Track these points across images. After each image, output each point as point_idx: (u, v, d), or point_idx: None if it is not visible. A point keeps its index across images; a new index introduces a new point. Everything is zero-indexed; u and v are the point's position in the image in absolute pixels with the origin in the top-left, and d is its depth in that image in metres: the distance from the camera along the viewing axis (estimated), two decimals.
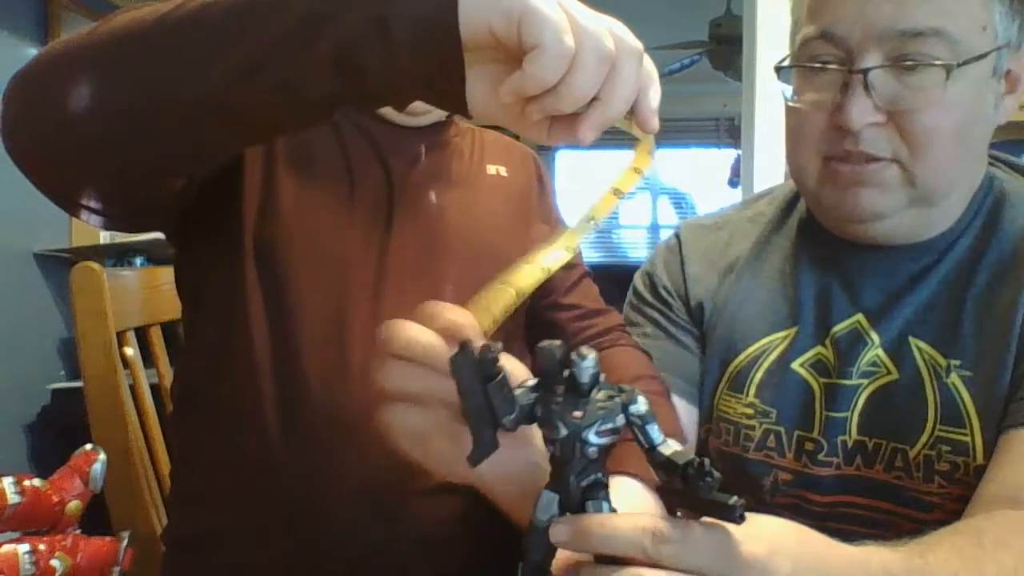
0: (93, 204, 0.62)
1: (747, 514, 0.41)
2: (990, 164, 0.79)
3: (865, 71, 0.67)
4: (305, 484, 0.74)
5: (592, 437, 0.41)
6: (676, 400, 0.79)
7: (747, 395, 0.79)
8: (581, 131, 0.46)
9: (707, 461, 0.39)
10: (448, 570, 0.77)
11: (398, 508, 0.74)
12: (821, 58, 0.70)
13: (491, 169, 0.92)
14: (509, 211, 0.90)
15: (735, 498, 0.39)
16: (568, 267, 0.92)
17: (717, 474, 0.39)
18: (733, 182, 4.95)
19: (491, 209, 0.88)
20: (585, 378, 0.41)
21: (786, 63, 0.75)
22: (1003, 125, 0.76)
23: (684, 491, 0.40)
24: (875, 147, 0.69)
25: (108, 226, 0.69)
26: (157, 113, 0.52)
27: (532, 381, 0.44)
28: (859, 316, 0.76)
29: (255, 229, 0.75)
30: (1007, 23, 0.69)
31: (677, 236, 0.91)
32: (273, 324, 0.75)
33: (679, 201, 6.20)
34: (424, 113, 0.83)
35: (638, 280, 0.90)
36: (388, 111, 0.83)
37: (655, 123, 0.49)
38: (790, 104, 0.74)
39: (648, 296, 0.87)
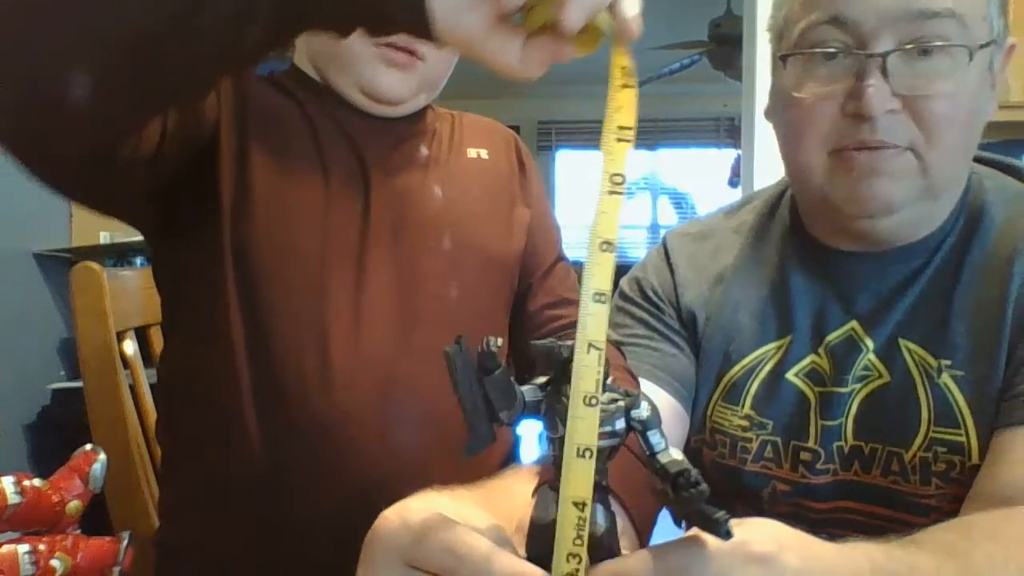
0: (63, 164, 0.59)
1: (747, 518, 0.41)
2: None
3: (884, 55, 0.65)
4: (286, 486, 0.73)
5: None
6: (669, 401, 0.78)
7: (743, 407, 0.78)
8: (566, 13, 0.40)
9: (695, 472, 0.39)
10: None
11: (382, 509, 0.74)
12: (829, 44, 0.68)
13: (471, 152, 0.90)
14: (490, 194, 0.89)
15: (722, 512, 0.39)
16: (545, 252, 0.92)
17: (705, 486, 0.39)
18: (733, 182, 4.95)
19: (471, 194, 0.87)
20: None
21: (789, 52, 0.71)
22: (1004, 125, 0.76)
23: (675, 500, 0.40)
24: (892, 135, 0.67)
25: (76, 193, 0.66)
26: (106, 52, 0.48)
27: (543, 379, 0.44)
28: (853, 323, 0.75)
29: (231, 229, 0.74)
30: (998, 18, 0.69)
31: (664, 245, 0.89)
32: (251, 325, 0.74)
33: (679, 201, 6.20)
34: (400, 103, 0.83)
35: (625, 284, 0.88)
36: (363, 102, 0.82)
37: (635, 27, 0.43)
38: (794, 96, 0.71)
39: (637, 298, 0.86)
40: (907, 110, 0.67)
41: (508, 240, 0.87)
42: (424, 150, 0.86)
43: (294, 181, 0.77)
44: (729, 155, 5.36)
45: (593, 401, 0.38)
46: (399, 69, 0.80)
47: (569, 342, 0.42)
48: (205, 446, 0.77)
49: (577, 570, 0.38)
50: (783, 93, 0.73)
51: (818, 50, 0.69)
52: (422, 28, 0.43)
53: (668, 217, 6.15)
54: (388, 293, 0.77)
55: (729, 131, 5.68)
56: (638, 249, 6.08)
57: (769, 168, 2.06)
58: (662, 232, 5.73)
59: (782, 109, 0.74)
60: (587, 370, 0.38)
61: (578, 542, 0.38)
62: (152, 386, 1.04)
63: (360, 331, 0.75)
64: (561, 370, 0.42)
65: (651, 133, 5.99)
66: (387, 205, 0.80)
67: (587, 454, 0.38)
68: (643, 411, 0.42)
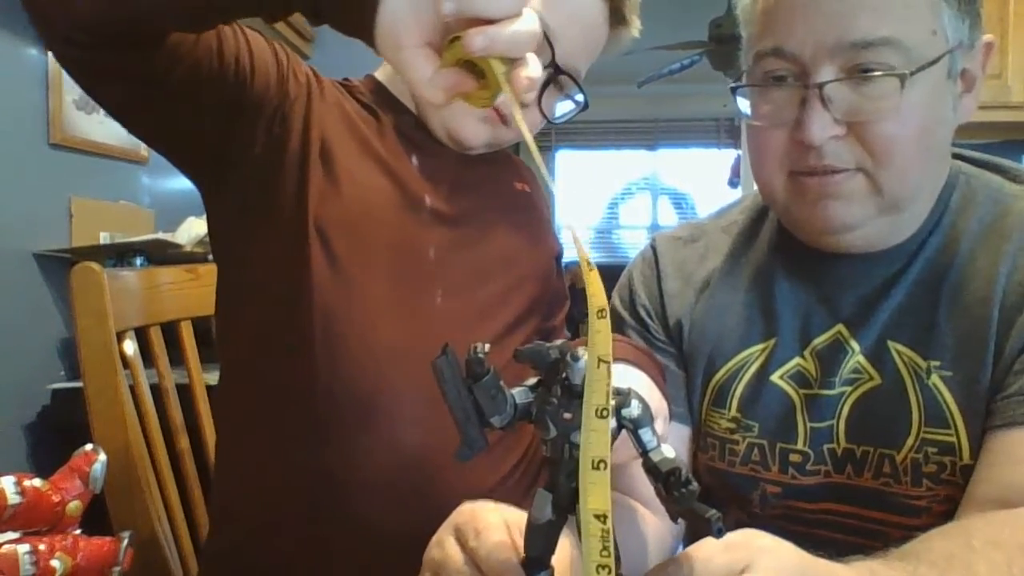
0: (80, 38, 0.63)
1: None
2: (955, 159, 0.78)
3: (820, 85, 0.67)
4: (342, 463, 0.77)
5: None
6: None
7: (730, 409, 0.79)
8: (469, 35, 0.45)
9: (686, 471, 0.40)
10: None
11: (426, 487, 0.78)
12: (776, 74, 0.70)
13: (518, 185, 0.98)
14: (533, 222, 0.97)
15: (713, 511, 0.39)
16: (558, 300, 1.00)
17: (695, 485, 0.39)
18: (733, 182, 4.95)
19: (518, 220, 0.94)
20: (578, 380, 0.41)
21: (742, 81, 0.74)
22: (1004, 125, 0.76)
23: (667, 499, 0.40)
24: (838, 159, 0.68)
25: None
26: None
27: (532, 380, 0.44)
28: (839, 327, 0.76)
29: (316, 210, 0.78)
30: (957, 24, 0.69)
31: (653, 249, 0.90)
32: (328, 301, 0.77)
33: (679, 201, 6.19)
34: (473, 151, 0.88)
35: (616, 297, 0.90)
36: (442, 136, 0.87)
37: (525, 88, 0.47)
38: (750, 122, 0.74)
39: (626, 315, 0.87)
40: (852, 134, 0.68)
41: (548, 267, 0.96)
42: (480, 177, 0.91)
43: (368, 180, 0.82)
44: (729, 155, 5.36)
45: (604, 413, 0.38)
46: (486, 123, 0.85)
47: (558, 342, 0.42)
48: (269, 421, 0.81)
49: None
50: (744, 116, 0.75)
51: (761, 85, 0.71)
52: (368, 26, 0.48)
53: (668, 217, 6.14)
54: (448, 298, 0.83)
55: (729, 131, 5.67)
56: (638, 249, 6.07)
57: None
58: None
59: (746, 130, 0.76)
60: (597, 384, 0.39)
61: (604, 553, 0.38)
62: (152, 386, 1.04)
63: (424, 318, 0.81)
64: (550, 371, 0.42)
65: (651, 133, 5.98)
66: (444, 221, 0.85)
67: (601, 466, 0.38)
68: (634, 409, 0.42)
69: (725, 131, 5.81)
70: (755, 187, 0.81)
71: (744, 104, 0.74)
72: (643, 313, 0.86)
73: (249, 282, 0.83)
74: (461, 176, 0.88)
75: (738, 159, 4.53)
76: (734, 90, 0.74)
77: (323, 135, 0.81)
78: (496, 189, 0.93)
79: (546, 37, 0.81)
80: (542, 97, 0.85)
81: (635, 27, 0.91)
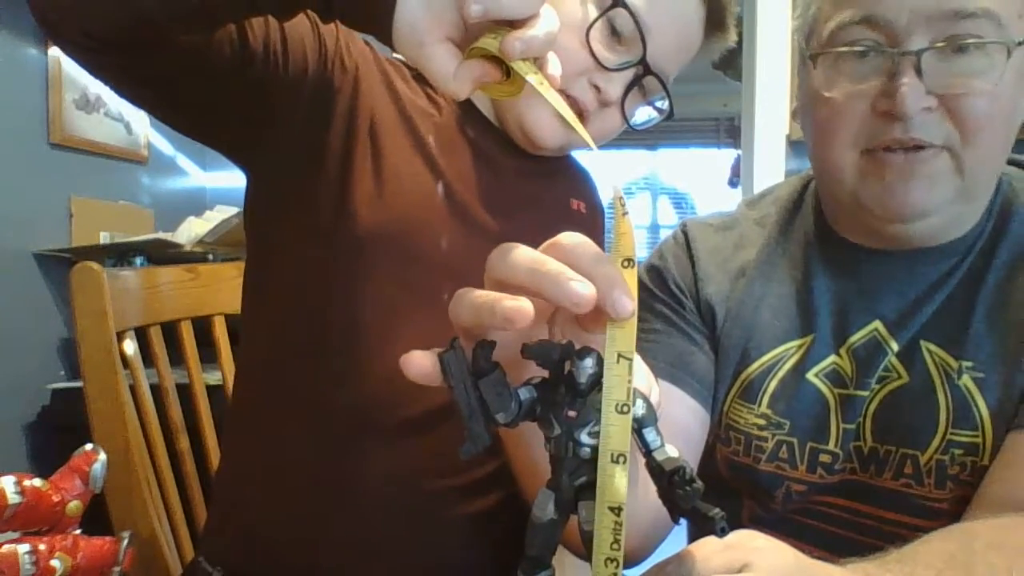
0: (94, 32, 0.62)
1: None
2: None
3: (918, 53, 0.64)
4: (342, 476, 0.77)
5: (584, 438, 0.41)
6: (688, 402, 0.76)
7: (760, 405, 0.76)
8: (507, 40, 0.45)
9: (690, 470, 0.40)
10: (477, 567, 0.80)
11: (422, 508, 0.78)
12: (859, 44, 0.67)
13: (574, 204, 0.93)
14: None
15: (716, 510, 0.39)
16: None
17: (699, 484, 0.39)
18: (733, 182, 4.95)
19: None
20: (583, 378, 0.41)
21: (820, 51, 0.70)
22: None
23: (670, 498, 0.40)
24: (926, 133, 0.65)
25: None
26: None
27: (538, 379, 0.44)
28: (876, 324, 0.74)
29: (359, 218, 0.76)
30: None
31: (685, 233, 0.87)
32: (352, 311, 0.76)
33: (679, 201, 6.19)
34: (546, 151, 0.85)
35: (643, 274, 0.85)
36: (516, 134, 0.84)
37: (557, 83, 0.48)
38: (824, 95, 0.69)
39: (657, 291, 0.83)
40: (942, 108, 0.65)
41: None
42: (535, 193, 0.88)
43: (416, 185, 0.79)
44: (729, 155, 5.36)
45: (625, 409, 0.39)
46: (562, 122, 0.81)
47: (564, 340, 0.42)
48: (278, 411, 0.80)
49: (615, 574, 0.38)
50: (813, 92, 0.71)
51: (848, 49, 0.67)
52: (385, 21, 0.48)
53: (668, 217, 6.14)
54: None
55: (729, 131, 5.67)
56: (637, 249, 6.07)
57: (769, 168, 2.06)
58: (662, 232, 5.69)
59: (812, 109, 0.72)
60: (618, 379, 0.39)
61: (615, 546, 0.38)
62: (152, 386, 1.04)
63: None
64: (555, 370, 0.42)
65: (651, 133, 5.98)
66: (490, 237, 0.81)
67: (620, 460, 0.39)
68: (639, 409, 0.42)
69: (725, 131, 5.81)
70: (755, 187, 0.80)
71: (815, 80, 0.71)
72: (676, 290, 0.82)
73: (275, 277, 0.81)
74: (516, 189, 0.85)
75: (738, 159, 4.53)
76: (814, 58, 0.70)
77: (372, 127, 0.77)
78: (551, 206, 0.89)
79: (641, 33, 0.78)
80: (625, 99, 0.82)
81: (732, 36, 0.87)
